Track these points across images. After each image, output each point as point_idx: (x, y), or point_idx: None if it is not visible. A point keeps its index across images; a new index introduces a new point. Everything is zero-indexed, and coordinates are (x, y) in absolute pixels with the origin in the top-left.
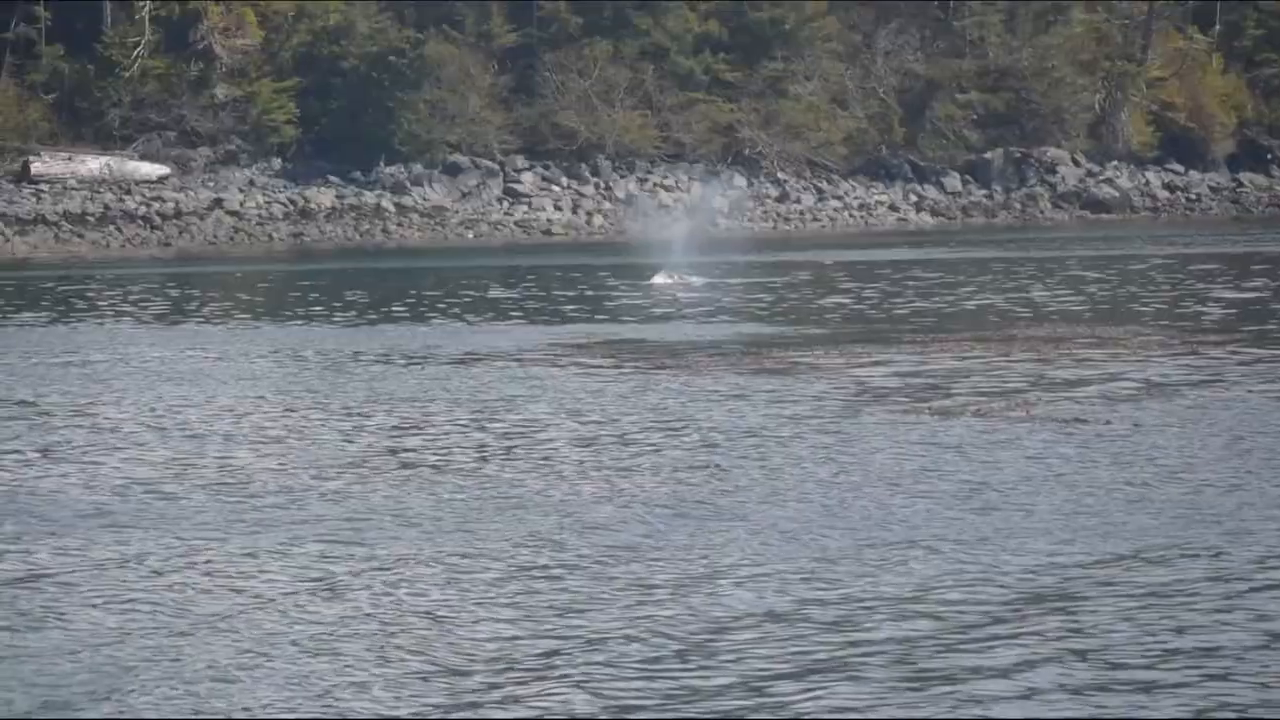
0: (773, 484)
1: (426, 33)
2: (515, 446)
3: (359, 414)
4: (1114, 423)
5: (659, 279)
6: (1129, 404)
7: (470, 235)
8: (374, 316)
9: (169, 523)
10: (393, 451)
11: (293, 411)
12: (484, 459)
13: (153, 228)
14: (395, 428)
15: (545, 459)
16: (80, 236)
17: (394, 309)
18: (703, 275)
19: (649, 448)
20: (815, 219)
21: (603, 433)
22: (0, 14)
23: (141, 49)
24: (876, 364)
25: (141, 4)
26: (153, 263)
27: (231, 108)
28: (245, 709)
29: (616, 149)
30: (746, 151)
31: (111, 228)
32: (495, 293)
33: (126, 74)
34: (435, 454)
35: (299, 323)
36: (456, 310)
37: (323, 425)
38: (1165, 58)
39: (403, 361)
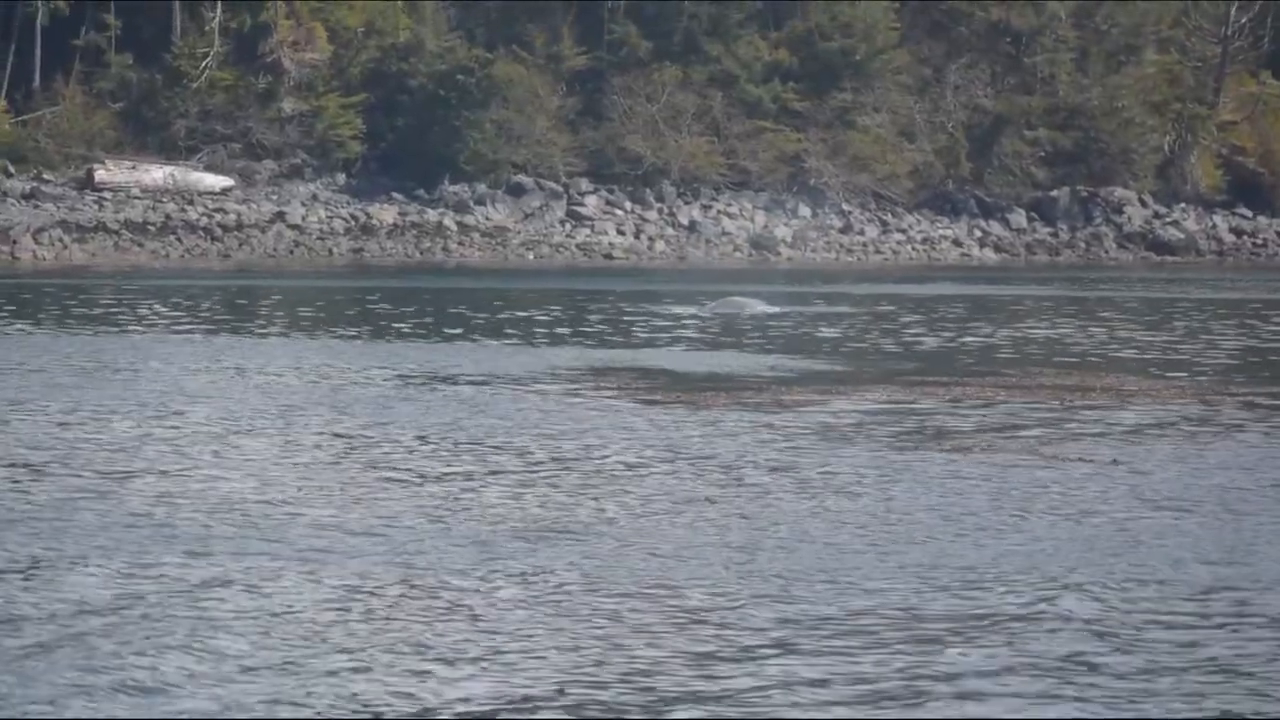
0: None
1: (495, 52)
2: (534, 472)
3: (370, 435)
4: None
5: (717, 305)
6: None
7: (531, 256)
8: (423, 334)
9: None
10: (436, 477)
11: (306, 433)
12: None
13: (213, 239)
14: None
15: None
16: (140, 245)
17: (449, 327)
18: (761, 302)
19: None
20: (878, 251)
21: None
22: (70, 21)
23: (210, 60)
24: (878, 401)
25: (211, 15)
26: (217, 274)
27: (298, 122)
28: None
29: (681, 175)
30: (812, 181)
31: (172, 238)
32: (542, 314)
33: (194, 85)
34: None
35: (355, 339)
36: (502, 330)
37: (338, 446)
38: (1237, 101)
39: (464, 384)
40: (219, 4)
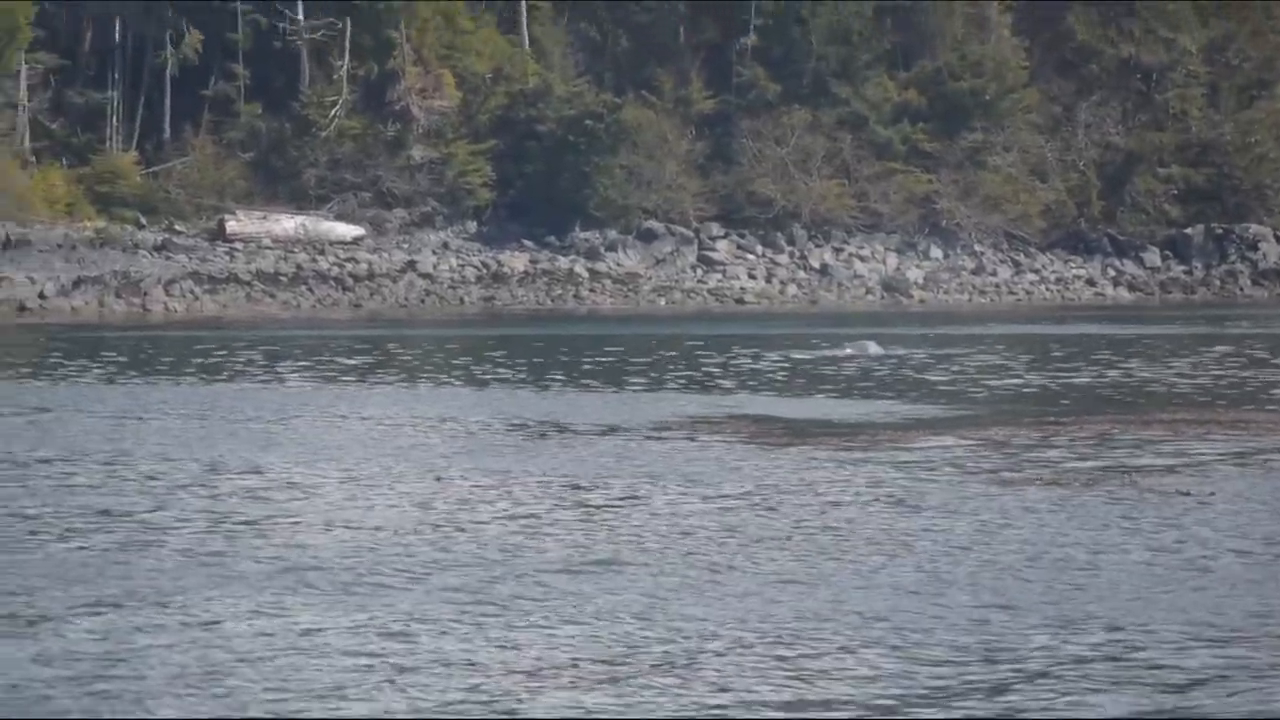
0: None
1: (624, 97)
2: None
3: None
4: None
5: (849, 349)
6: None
7: (663, 302)
8: (557, 382)
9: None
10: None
11: (465, 481)
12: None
13: (344, 289)
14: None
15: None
16: (271, 296)
17: (584, 375)
18: (883, 346)
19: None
20: (1011, 292)
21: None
22: (199, 71)
23: (339, 108)
24: (996, 440)
25: (339, 63)
26: (348, 323)
27: (427, 169)
28: None
29: (812, 218)
30: (943, 223)
31: (303, 288)
32: (673, 360)
33: (323, 133)
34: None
35: (496, 386)
36: (624, 377)
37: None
38: None
39: (602, 432)
40: (346, 52)
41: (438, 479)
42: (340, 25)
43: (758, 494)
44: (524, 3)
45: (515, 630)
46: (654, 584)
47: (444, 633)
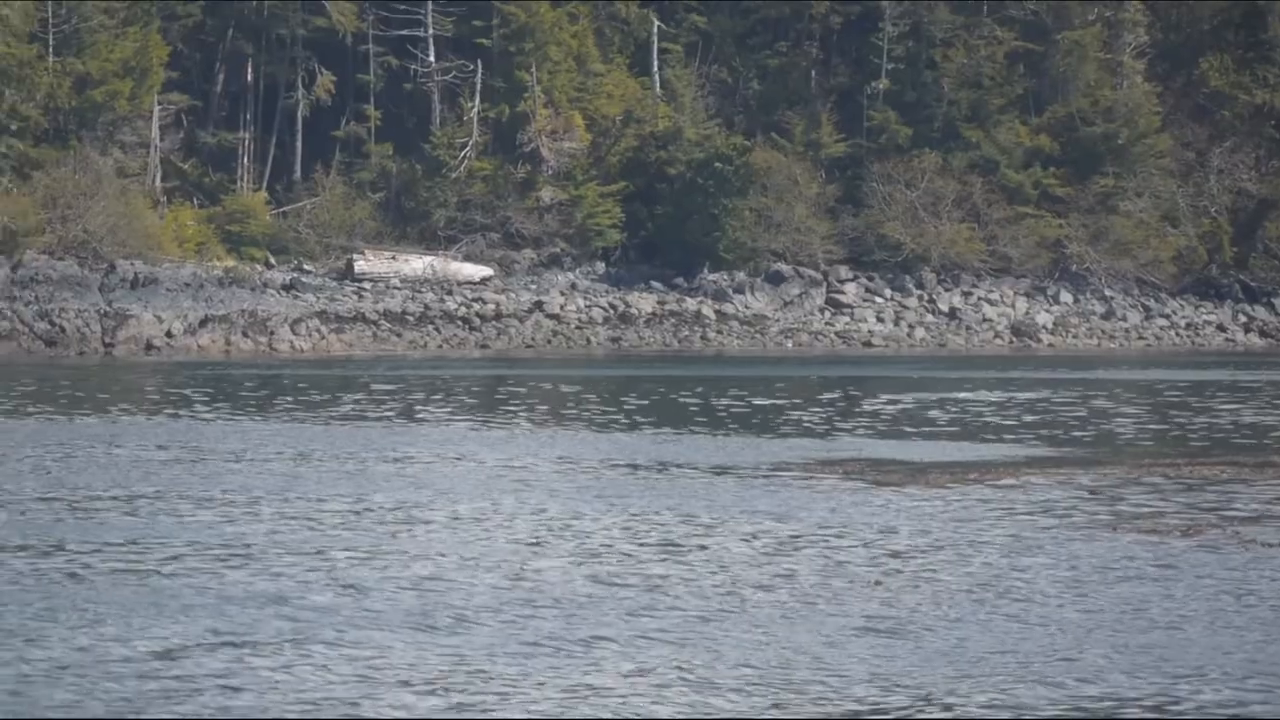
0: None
1: (754, 140)
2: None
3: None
4: None
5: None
6: None
7: (790, 345)
8: (690, 425)
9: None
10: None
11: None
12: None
13: (471, 329)
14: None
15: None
16: (398, 335)
17: (723, 419)
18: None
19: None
20: (1140, 337)
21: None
22: (330, 113)
23: (469, 150)
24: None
25: (470, 105)
26: (477, 362)
27: (556, 211)
28: None
29: (941, 261)
30: (1074, 267)
31: (430, 328)
32: (798, 404)
33: (454, 174)
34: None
35: (620, 430)
36: (752, 422)
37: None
38: None
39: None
40: (478, 94)
41: (575, 517)
42: (471, 67)
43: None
44: (655, 46)
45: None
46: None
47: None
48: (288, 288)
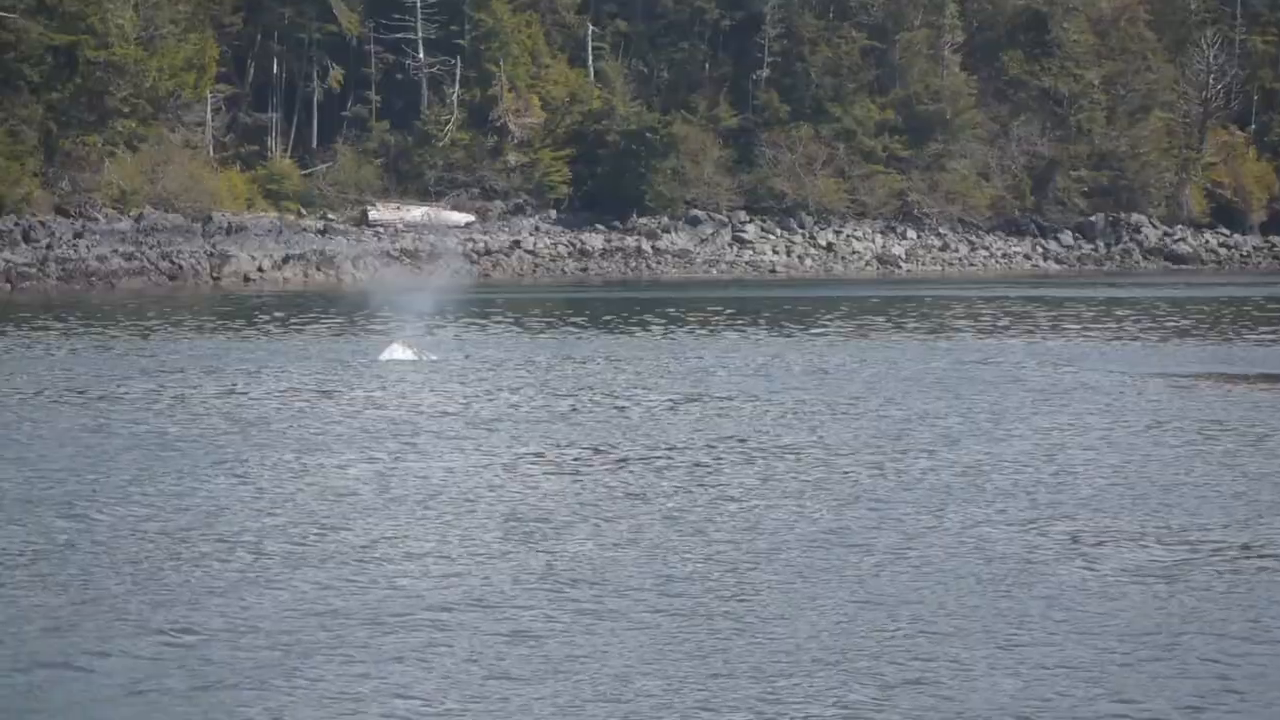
0: None
1: (671, 115)
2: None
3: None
4: None
5: (394, 352)
6: None
7: (714, 272)
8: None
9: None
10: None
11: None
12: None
13: (472, 262)
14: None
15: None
16: (419, 269)
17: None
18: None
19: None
20: (970, 264)
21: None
22: (339, 97)
23: (451, 125)
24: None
25: (451, 90)
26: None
27: (520, 171)
28: None
29: (816, 207)
30: (915, 212)
31: (440, 263)
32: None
33: (440, 144)
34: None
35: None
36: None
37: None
38: (1215, 148)
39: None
40: (457, 82)
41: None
42: (452, 62)
43: None
44: (590, 43)
45: None
46: None
47: None
48: (322, 232)
